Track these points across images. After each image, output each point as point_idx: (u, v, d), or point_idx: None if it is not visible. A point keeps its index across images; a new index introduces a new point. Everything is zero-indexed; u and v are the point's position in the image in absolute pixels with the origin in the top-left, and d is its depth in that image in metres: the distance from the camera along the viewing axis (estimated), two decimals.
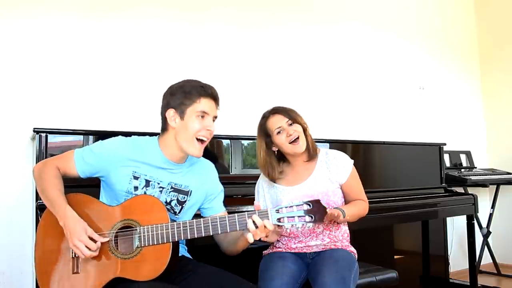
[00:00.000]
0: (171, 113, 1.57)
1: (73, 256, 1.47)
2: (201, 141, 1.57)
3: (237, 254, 1.64)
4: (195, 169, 1.69)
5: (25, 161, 2.26)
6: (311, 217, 1.34)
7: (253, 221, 1.40)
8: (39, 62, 2.37)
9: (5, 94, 2.28)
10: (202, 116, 1.56)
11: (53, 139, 2.03)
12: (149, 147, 1.61)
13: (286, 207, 1.38)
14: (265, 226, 1.39)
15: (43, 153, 1.99)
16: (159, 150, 1.60)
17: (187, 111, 1.55)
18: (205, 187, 1.69)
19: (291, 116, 1.82)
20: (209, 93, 1.58)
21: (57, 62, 2.41)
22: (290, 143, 1.79)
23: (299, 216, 1.35)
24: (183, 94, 1.56)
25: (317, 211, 1.34)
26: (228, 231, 1.43)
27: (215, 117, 1.61)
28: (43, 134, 1.99)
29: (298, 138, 1.79)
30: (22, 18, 2.34)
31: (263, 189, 1.90)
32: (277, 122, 1.82)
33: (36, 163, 1.98)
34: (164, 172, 1.60)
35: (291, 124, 1.81)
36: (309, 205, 1.35)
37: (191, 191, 1.64)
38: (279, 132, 1.81)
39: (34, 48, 2.37)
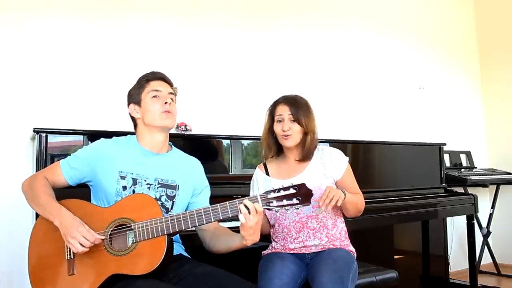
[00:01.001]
0: (132, 107, 1.69)
1: (68, 258, 1.47)
2: (167, 112, 1.63)
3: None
4: (181, 163, 1.72)
5: (25, 161, 2.26)
6: (298, 199, 1.41)
7: (245, 205, 1.43)
8: (39, 62, 2.37)
9: (5, 94, 2.29)
10: (156, 96, 1.64)
11: (53, 139, 2.02)
12: (129, 143, 1.68)
13: (273, 191, 1.43)
14: (256, 210, 1.42)
15: (43, 153, 1.98)
16: (138, 144, 1.67)
17: (141, 97, 1.66)
18: (192, 180, 1.71)
19: (297, 114, 1.83)
20: (157, 76, 1.69)
21: (57, 63, 2.42)
22: (282, 135, 1.83)
23: (287, 199, 1.42)
24: (134, 87, 1.70)
25: (303, 193, 1.42)
26: (221, 217, 1.45)
27: (171, 93, 1.68)
28: (43, 134, 1.99)
29: (290, 135, 1.82)
30: (22, 19, 2.35)
31: (257, 182, 1.91)
32: (282, 112, 1.85)
33: (36, 163, 2.00)
34: (147, 165, 1.63)
35: (292, 121, 1.82)
36: (296, 188, 1.42)
37: (178, 185, 1.66)
38: (279, 121, 1.85)
39: (34, 48, 2.37)
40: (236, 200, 1.46)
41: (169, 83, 1.70)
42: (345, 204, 1.75)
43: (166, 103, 1.63)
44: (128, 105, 1.70)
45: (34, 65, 2.36)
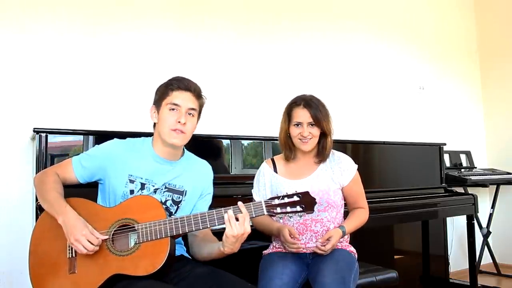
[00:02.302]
0: (152, 110, 1.65)
1: (70, 256, 1.47)
2: (177, 131, 1.59)
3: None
4: (192, 168, 1.70)
5: (25, 161, 2.26)
6: (302, 207, 1.43)
7: (229, 215, 1.42)
8: (39, 62, 2.37)
9: (5, 94, 2.28)
10: (173, 109, 1.59)
11: (53, 139, 2.03)
12: (142, 146, 1.65)
13: (278, 198, 1.45)
14: (237, 219, 1.41)
15: (43, 153, 1.99)
16: (151, 149, 1.64)
17: (161, 104, 1.61)
18: (200, 185, 1.71)
19: (317, 118, 1.81)
20: (182, 86, 1.60)
21: (57, 63, 2.41)
22: (299, 139, 1.82)
23: (290, 206, 1.44)
24: (160, 90, 1.64)
25: (307, 201, 1.44)
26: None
27: (192, 109, 1.61)
28: (43, 134, 1.99)
29: (309, 139, 1.81)
30: (22, 20, 2.34)
31: (264, 177, 1.90)
32: (301, 116, 1.82)
33: (36, 163, 2.00)
34: (158, 171, 1.62)
35: (312, 125, 1.81)
36: (299, 196, 1.44)
37: (186, 191, 1.66)
38: (296, 125, 1.83)
39: (34, 49, 2.36)
40: (239, 202, 1.45)
41: (195, 94, 1.63)
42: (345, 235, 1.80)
43: (179, 122, 1.57)
44: (152, 105, 1.66)
45: (34, 65, 2.36)
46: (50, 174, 1.59)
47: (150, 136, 1.70)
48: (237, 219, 1.41)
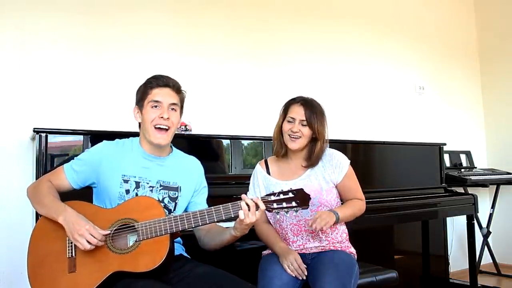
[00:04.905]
0: (135, 110, 1.69)
1: (70, 256, 1.48)
2: (161, 129, 1.61)
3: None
4: (182, 164, 1.72)
5: (25, 161, 2.26)
6: (297, 203, 1.49)
7: (246, 203, 1.47)
8: (39, 63, 2.37)
9: (5, 94, 2.29)
10: (156, 106, 1.61)
11: (53, 139, 2.03)
12: (131, 145, 1.68)
13: (273, 195, 1.50)
14: (257, 206, 1.47)
15: (43, 153, 1.99)
16: (140, 147, 1.67)
17: (143, 104, 1.64)
18: (193, 181, 1.73)
19: (310, 119, 1.80)
20: (160, 83, 1.63)
21: (57, 63, 2.42)
22: (289, 135, 1.81)
23: (286, 202, 1.49)
24: (140, 90, 1.67)
25: (301, 197, 1.50)
26: (224, 218, 1.49)
27: (173, 103, 1.64)
28: (43, 134, 2.00)
29: (298, 137, 1.80)
30: (22, 20, 2.34)
31: (257, 178, 1.91)
32: (295, 112, 1.83)
33: (36, 163, 2.00)
34: (150, 169, 1.64)
35: (304, 125, 1.81)
36: (294, 193, 1.50)
37: (180, 186, 1.68)
38: (289, 121, 1.83)
39: (34, 49, 2.37)
40: (239, 201, 1.48)
41: (175, 89, 1.65)
42: (341, 221, 1.78)
43: (162, 117, 1.60)
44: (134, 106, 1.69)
45: (34, 65, 2.36)
46: (43, 182, 1.60)
47: None
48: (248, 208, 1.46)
